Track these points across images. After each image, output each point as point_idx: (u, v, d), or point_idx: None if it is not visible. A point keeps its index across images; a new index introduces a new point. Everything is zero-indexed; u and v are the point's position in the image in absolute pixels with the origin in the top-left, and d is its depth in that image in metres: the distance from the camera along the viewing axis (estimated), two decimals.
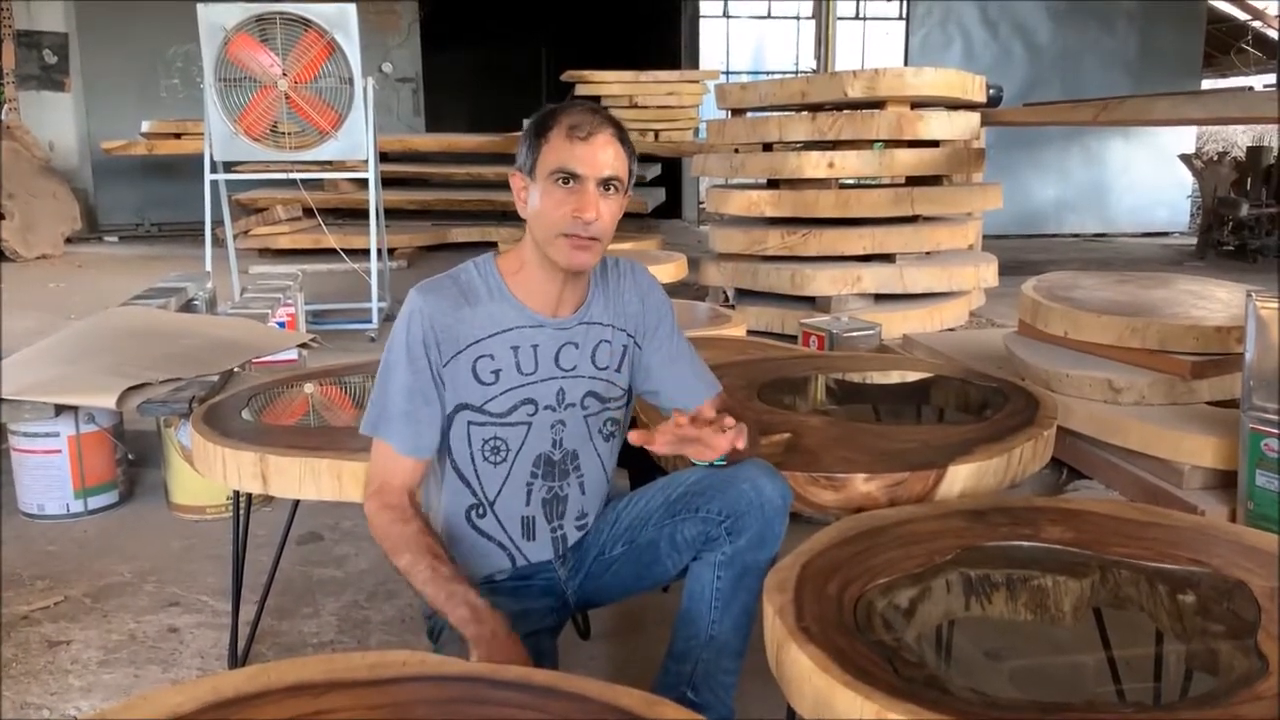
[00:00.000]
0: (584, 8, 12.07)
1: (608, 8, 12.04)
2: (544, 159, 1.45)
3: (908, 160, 5.12)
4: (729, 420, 1.43)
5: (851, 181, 5.57)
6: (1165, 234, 10.34)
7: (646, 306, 1.64)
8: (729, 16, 11.77)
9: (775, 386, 2.24)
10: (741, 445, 1.46)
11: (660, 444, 1.42)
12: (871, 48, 11.47)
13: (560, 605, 1.61)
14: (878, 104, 5.00)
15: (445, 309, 1.48)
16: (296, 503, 2.16)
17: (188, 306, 3.94)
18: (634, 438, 1.41)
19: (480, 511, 1.56)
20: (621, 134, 1.49)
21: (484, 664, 1.17)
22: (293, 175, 5.75)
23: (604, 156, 1.45)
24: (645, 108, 9.00)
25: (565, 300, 1.55)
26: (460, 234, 8.17)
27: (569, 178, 1.44)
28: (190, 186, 6.32)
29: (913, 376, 2.36)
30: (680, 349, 1.68)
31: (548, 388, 1.53)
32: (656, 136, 9.02)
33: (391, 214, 7.59)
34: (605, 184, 1.45)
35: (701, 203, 10.48)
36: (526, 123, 1.51)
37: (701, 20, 11.37)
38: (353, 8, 4.99)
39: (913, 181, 5.28)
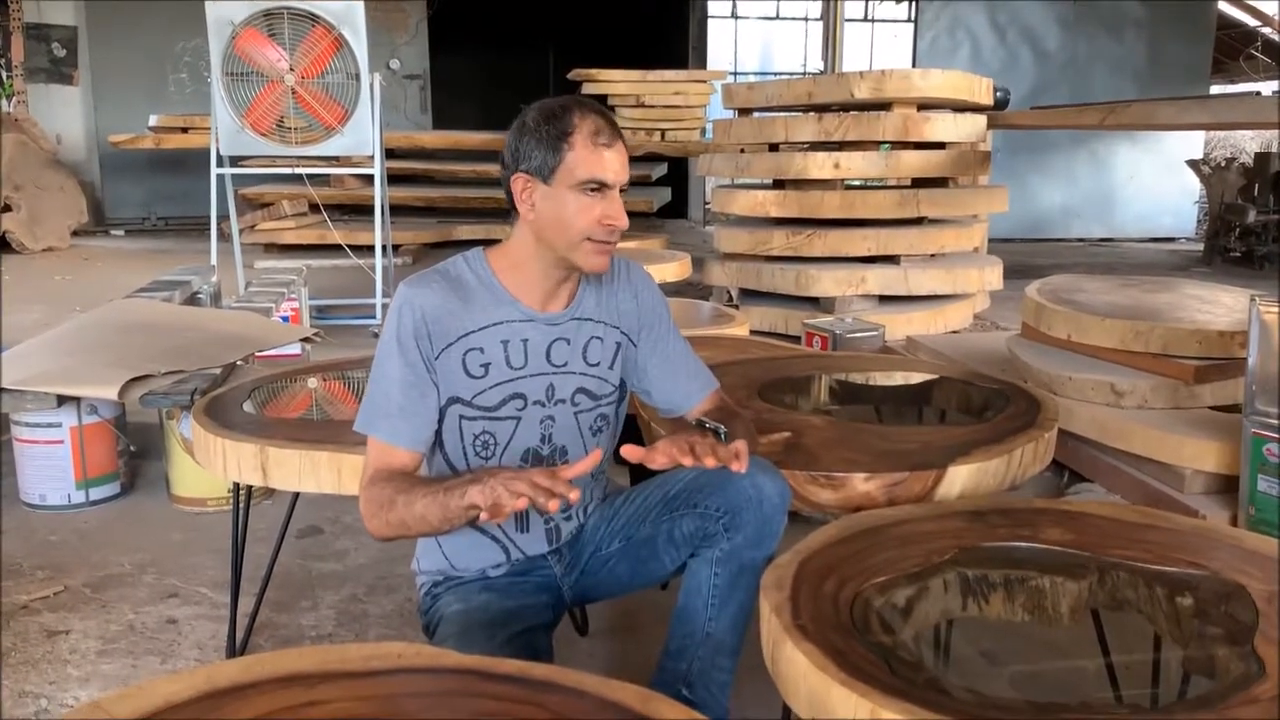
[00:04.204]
0: (592, 7, 12.07)
1: (616, 7, 12.04)
2: (569, 167, 1.43)
3: (914, 162, 5.11)
4: (738, 447, 1.40)
5: (857, 183, 5.57)
6: (1171, 240, 10.33)
7: (641, 305, 1.63)
8: (737, 17, 11.75)
9: (777, 386, 2.24)
10: (741, 468, 1.41)
11: (660, 463, 1.39)
12: (879, 50, 11.45)
13: (556, 601, 1.61)
14: (884, 105, 5.00)
15: (435, 302, 1.47)
16: (296, 496, 2.16)
17: (192, 300, 3.96)
18: (629, 454, 1.39)
19: None
20: (622, 134, 1.50)
21: (479, 657, 1.17)
22: (299, 170, 5.76)
23: (622, 162, 1.46)
24: (652, 107, 9.00)
25: (557, 296, 1.54)
26: (465, 231, 8.18)
27: (599, 186, 1.44)
28: (197, 181, 6.35)
29: (915, 378, 2.35)
30: (675, 348, 1.67)
31: (537, 383, 1.53)
32: (663, 136, 9.02)
33: (397, 210, 7.62)
34: (620, 188, 1.47)
35: (707, 203, 10.48)
36: (527, 120, 1.47)
37: (709, 20, 11.36)
38: (360, 4, 5.00)
39: (918, 183, 5.27)
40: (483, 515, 1.30)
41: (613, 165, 1.44)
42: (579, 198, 1.44)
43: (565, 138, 1.43)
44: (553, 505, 1.26)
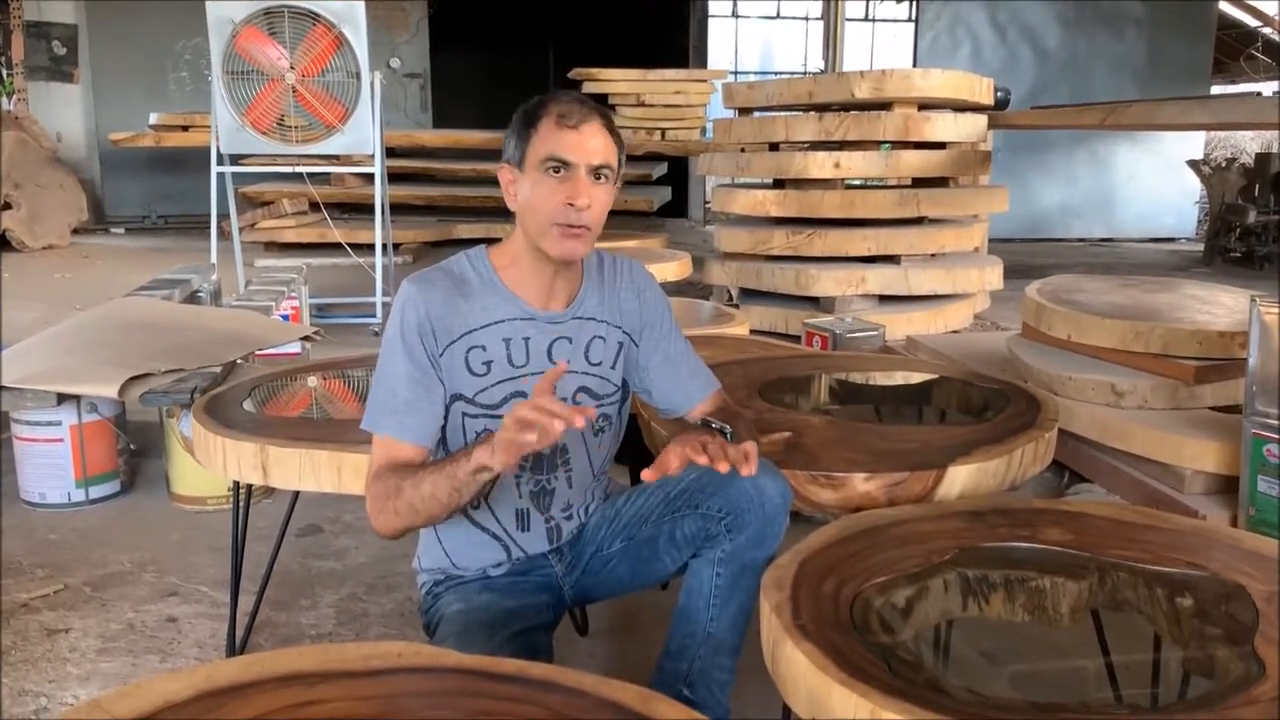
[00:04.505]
0: (592, 5, 12.07)
1: (616, 6, 12.04)
2: (534, 148, 1.44)
3: (914, 162, 5.11)
4: (747, 449, 1.39)
5: (857, 182, 5.57)
6: (1172, 240, 10.33)
7: (643, 304, 1.63)
8: (738, 16, 11.75)
9: (777, 386, 2.24)
10: (751, 471, 1.40)
11: (674, 468, 1.39)
12: (880, 49, 11.45)
13: (556, 601, 1.61)
14: (885, 105, 5.00)
15: (439, 299, 1.47)
16: (296, 495, 2.16)
17: (192, 298, 3.95)
18: (648, 477, 1.38)
19: (475, 503, 1.55)
20: (609, 123, 1.48)
21: (479, 657, 1.17)
22: (299, 169, 5.76)
23: (594, 144, 1.44)
24: (652, 106, 9.00)
25: (557, 293, 1.54)
26: (465, 230, 8.19)
27: (560, 166, 1.43)
28: (197, 179, 6.35)
29: (915, 378, 2.35)
30: (677, 348, 1.67)
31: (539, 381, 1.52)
32: (663, 135, 9.02)
33: (397, 209, 7.61)
34: (596, 172, 1.44)
35: (707, 202, 10.48)
36: (514, 115, 1.49)
37: (710, 20, 11.36)
38: (361, 2, 5.00)
39: (919, 183, 5.27)
40: (496, 463, 1.29)
41: (577, 145, 1.42)
42: (543, 179, 1.43)
43: (534, 123, 1.44)
44: (575, 422, 1.25)
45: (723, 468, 1.36)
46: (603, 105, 1.53)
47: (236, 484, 2.03)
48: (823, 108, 5.27)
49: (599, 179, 1.45)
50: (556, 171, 1.43)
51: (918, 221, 5.20)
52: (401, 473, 1.41)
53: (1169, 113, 4.98)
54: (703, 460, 1.37)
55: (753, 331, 3.85)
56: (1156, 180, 10.20)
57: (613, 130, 1.48)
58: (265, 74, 4.96)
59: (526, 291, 1.52)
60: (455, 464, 1.35)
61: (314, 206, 7.52)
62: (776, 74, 11.73)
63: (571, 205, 1.42)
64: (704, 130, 9.17)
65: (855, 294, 4.92)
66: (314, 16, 4.92)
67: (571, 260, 1.49)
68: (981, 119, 5.39)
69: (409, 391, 1.45)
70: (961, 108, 5.36)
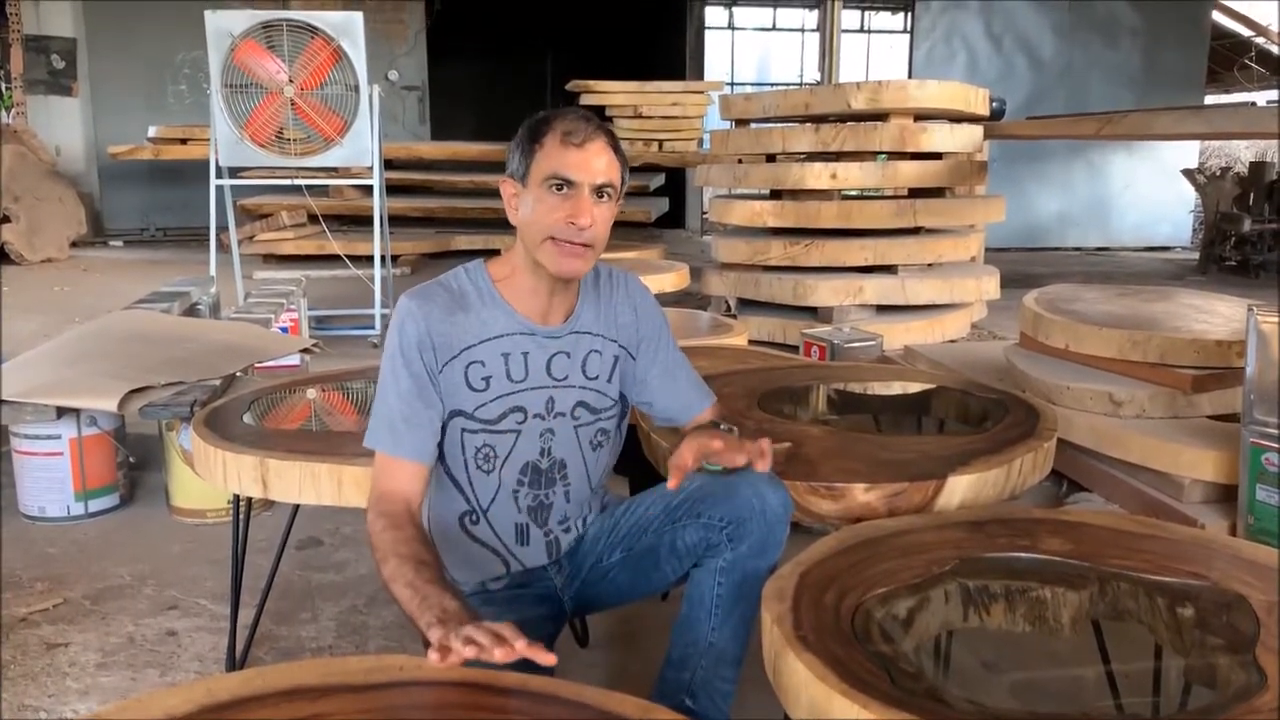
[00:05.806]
0: (590, 18, 12.13)
1: (614, 18, 12.09)
2: (538, 165, 1.45)
3: (910, 172, 5.13)
4: (763, 444, 1.45)
5: (854, 193, 5.59)
6: (1167, 249, 10.36)
7: (640, 318, 1.63)
8: (734, 28, 11.81)
9: (776, 396, 2.24)
10: (767, 465, 1.46)
11: (689, 463, 1.45)
12: (876, 60, 11.51)
13: (557, 613, 1.61)
14: (881, 116, 5.02)
15: (438, 314, 1.48)
16: (296, 507, 2.16)
17: (191, 311, 3.95)
18: (673, 486, 1.45)
19: (474, 518, 1.56)
20: (614, 141, 1.49)
21: (480, 670, 1.16)
22: (298, 181, 5.77)
23: (598, 163, 1.44)
24: (650, 118, 9.03)
25: (555, 308, 1.54)
26: (464, 241, 8.21)
27: (563, 184, 1.44)
28: (196, 192, 6.35)
29: (913, 387, 2.35)
30: (675, 360, 1.67)
31: (537, 396, 1.53)
32: (660, 147, 9.04)
33: (396, 221, 7.62)
34: (599, 191, 1.45)
35: (705, 213, 10.50)
36: (518, 130, 1.50)
37: (706, 31, 11.41)
38: (359, 15, 5.02)
39: (915, 193, 5.29)
40: (431, 655, 1.15)
41: (580, 164, 1.43)
42: (546, 196, 1.44)
43: (539, 139, 1.45)
44: (499, 654, 1.10)
45: (739, 460, 1.43)
46: (603, 119, 1.54)
47: (236, 497, 2.03)
48: (819, 119, 5.29)
49: (602, 197, 1.46)
50: (560, 189, 1.44)
51: (914, 231, 5.21)
52: (391, 540, 1.34)
53: (1164, 122, 5.00)
54: (717, 444, 1.44)
55: (751, 342, 3.85)
56: (1152, 189, 10.24)
57: (617, 148, 1.49)
58: (264, 87, 4.97)
59: (525, 306, 1.52)
60: (423, 604, 1.24)
61: (313, 219, 7.53)
62: (772, 85, 11.77)
63: (574, 224, 1.43)
64: (701, 141, 9.20)
65: (853, 304, 4.93)
66: (312, 29, 4.94)
67: (572, 278, 1.50)
68: (977, 129, 5.41)
69: (406, 406, 1.46)
70: (957, 118, 5.38)
